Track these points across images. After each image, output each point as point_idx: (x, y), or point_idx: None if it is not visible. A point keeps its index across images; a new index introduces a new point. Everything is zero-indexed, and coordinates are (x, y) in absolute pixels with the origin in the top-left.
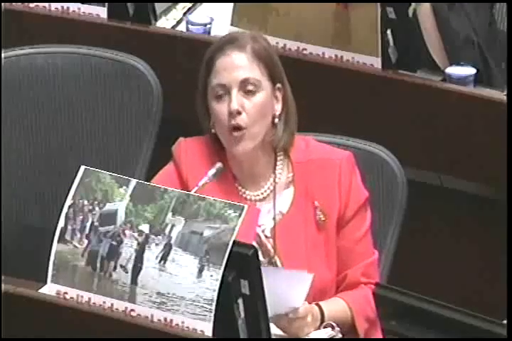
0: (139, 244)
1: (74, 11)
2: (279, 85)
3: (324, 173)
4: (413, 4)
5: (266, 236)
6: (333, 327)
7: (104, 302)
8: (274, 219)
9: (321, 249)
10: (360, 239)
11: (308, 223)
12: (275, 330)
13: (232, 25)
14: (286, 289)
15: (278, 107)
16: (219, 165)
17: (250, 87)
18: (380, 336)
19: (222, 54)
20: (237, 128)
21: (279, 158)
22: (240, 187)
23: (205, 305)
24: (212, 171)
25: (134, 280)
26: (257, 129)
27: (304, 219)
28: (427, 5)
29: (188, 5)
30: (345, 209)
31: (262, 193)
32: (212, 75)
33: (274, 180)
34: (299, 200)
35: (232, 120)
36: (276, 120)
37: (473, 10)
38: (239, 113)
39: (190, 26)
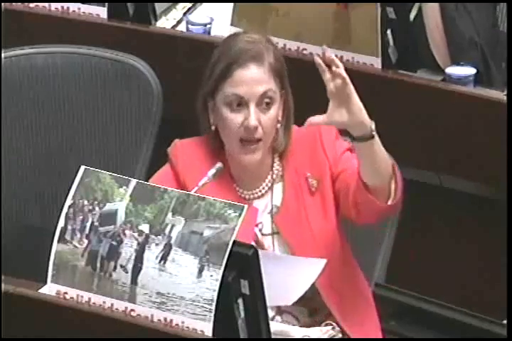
0: (139, 244)
1: (74, 11)
2: (283, 91)
3: (306, 145)
4: (417, 3)
5: (263, 234)
6: (333, 327)
7: (104, 302)
8: (271, 212)
9: (320, 212)
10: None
11: (303, 197)
12: (276, 328)
13: (232, 25)
14: (291, 276)
15: (280, 112)
16: (219, 165)
17: (267, 101)
18: (380, 336)
19: (240, 66)
20: (252, 140)
21: (276, 158)
22: (237, 188)
23: (205, 305)
24: (212, 171)
25: (134, 280)
26: (269, 140)
27: (299, 197)
28: (434, 4)
29: (188, 5)
30: (336, 163)
31: (260, 191)
32: (227, 83)
33: (272, 178)
34: (290, 178)
35: (249, 135)
36: (279, 125)
37: (475, 11)
38: (256, 128)
39: (190, 26)
